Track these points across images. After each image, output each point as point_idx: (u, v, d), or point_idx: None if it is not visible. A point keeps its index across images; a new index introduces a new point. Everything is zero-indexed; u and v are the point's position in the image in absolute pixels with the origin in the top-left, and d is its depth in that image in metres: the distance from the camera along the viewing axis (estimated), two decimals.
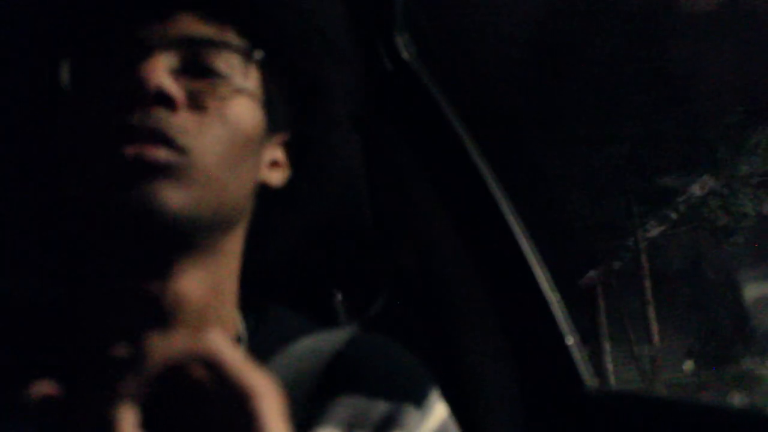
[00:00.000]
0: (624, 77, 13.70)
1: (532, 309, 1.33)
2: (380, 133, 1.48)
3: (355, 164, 1.45)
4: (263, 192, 0.87)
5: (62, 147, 0.78)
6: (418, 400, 0.89)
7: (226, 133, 0.77)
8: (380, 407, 0.87)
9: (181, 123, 0.74)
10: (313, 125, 0.89)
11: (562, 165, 14.05)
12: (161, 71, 0.74)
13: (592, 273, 14.31)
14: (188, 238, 0.77)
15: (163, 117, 0.74)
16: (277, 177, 0.87)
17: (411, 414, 0.88)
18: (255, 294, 0.92)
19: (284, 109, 0.86)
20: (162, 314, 0.78)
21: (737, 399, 11.05)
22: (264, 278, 1.06)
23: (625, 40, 13.78)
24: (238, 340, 0.85)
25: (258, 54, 0.81)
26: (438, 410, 0.91)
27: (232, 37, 0.80)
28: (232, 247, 0.84)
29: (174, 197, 0.73)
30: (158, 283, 0.78)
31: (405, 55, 1.47)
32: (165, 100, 0.74)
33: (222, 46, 0.79)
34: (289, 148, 0.89)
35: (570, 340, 1.30)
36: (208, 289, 0.81)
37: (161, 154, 0.73)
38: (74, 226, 0.81)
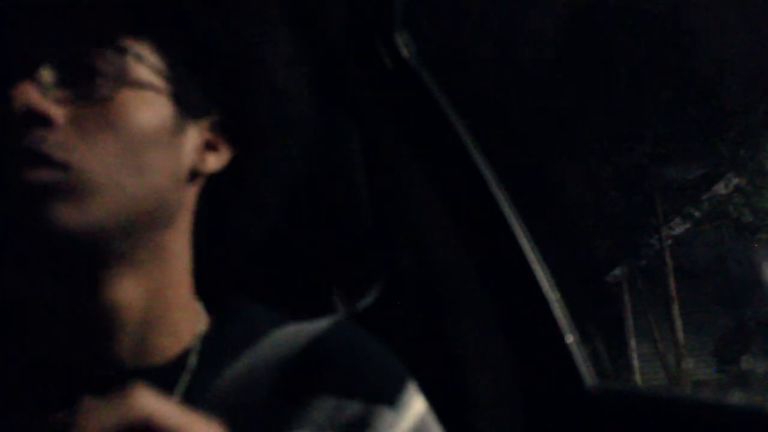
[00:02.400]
0: (648, 76, 13.66)
1: (531, 307, 1.32)
2: (380, 132, 1.48)
3: (355, 162, 1.45)
4: (211, 178, 0.84)
5: None
6: (392, 399, 0.85)
7: (114, 136, 0.74)
8: (351, 408, 0.82)
9: (60, 139, 0.72)
10: (245, 100, 0.85)
11: (587, 165, 14.03)
12: (30, 90, 0.72)
13: (617, 271, 14.30)
14: (102, 250, 0.75)
15: (39, 136, 0.71)
16: (214, 161, 0.84)
17: (383, 414, 0.83)
18: (229, 290, 0.91)
19: (207, 89, 0.82)
20: (103, 325, 0.77)
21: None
22: (259, 280, 1.06)
23: (649, 39, 13.75)
24: (187, 353, 0.82)
25: (136, 47, 0.77)
26: (414, 407, 0.86)
27: (114, 34, 0.76)
28: (170, 246, 0.81)
29: (66, 216, 0.71)
30: (90, 296, 0.76)
31: (405, 53, 1.47)
32: (39, 119, 0.72)
33: (100, 46, 0.75)
34: (227, 126, 0.84)
35: (570, 339, 1.29)
36: (148, 294, 0.79)
37: (42, 174, 0.71)
38: None
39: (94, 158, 0.72)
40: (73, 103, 0.74)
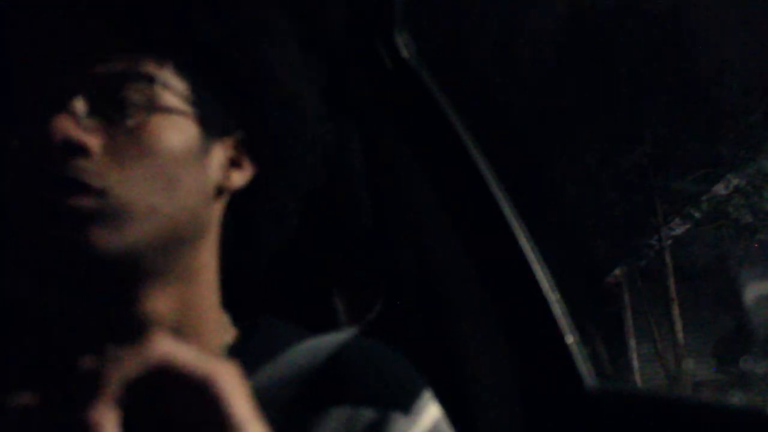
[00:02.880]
0: (648, 76, 13.66)
1: (531, 308, 1.32)
2: (380, 132, 1.48)
3: (355, 162, 1.45)
4: (237, 194, 0.88)
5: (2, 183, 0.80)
6: (406, 406, 0.88)
7: (146, 161, 0.78)
8: (366, 415, 0.85)
9: (97, 167, 0.76)
10: (263, 115, 0.88)
11: (588, 165, 14.02)
12: (67, 121, 0.75)
13: (617, 271, 14.29)
14: (137, 269, 0.78)
15: (78, 165, 0.75)
16: (238, 177, 0.88)
17: (397, 420, 0.86)
18: (248, 297, 0.93)
19: (227, 108, 0.86)
20: (135, 337, 0.80)
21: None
22: (259, 280, 1.07)
23: (650, 40, 13.74)
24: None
25: (161, 74, 0.80)
26: (429, 414, 0.89)
27: (140, 63, 0.80)
28: (199, 261, 0.85)
29: (104, 240, 0.75)
30: (123, 309, 0.80)
31: (405, 53, 1.47)
32: (77, 149, 0.75)
33: (128, 76, 0.79)
34: (248, 143, 0.88)
35: (570, 339, 1.29)
36: (179, 306, 0.82)
37: (81, 201, 0.75)
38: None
39: (128, 184, 0.76)
40: (107, 132, 0.77)
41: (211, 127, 0.84)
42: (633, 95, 13.61)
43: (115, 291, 0.79)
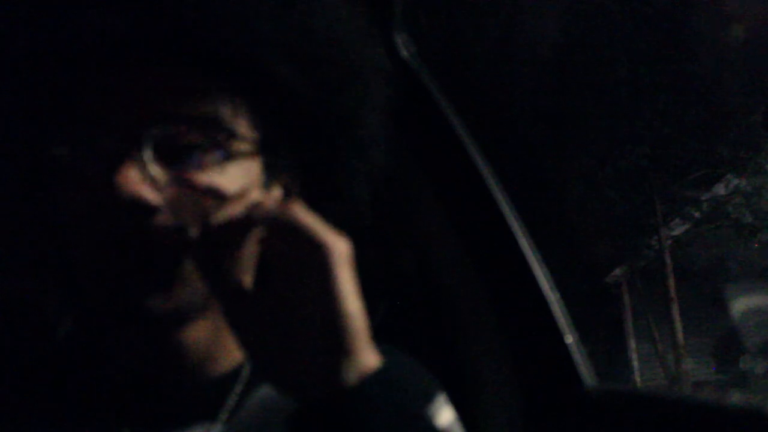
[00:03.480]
0: (648, 77, 13.65)
1: (531, 308, 1.32)
2: None
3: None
4: None
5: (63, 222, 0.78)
6: (421, 409, 0.89)
7: (210, 215, 0.75)
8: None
9: (161, 225, 0.74)
10: (333, 155, 0.88)
11: (588, 166, 14.02)
12: (135, 174, 0.72)
13: (617, 271, 14.30)
14: (183, 316, 0.80)
15: (142, 224, 0.73)
16: None
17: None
18: None
19: (288, 145, 0.84)
20: (174, 354, 0.84)
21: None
22: None
23: (650, 41, 13.73)
24: (241, 366, 0.88)
25: (238, 125, 0.78)
26: (443, 417, 0.90)
27: (214, 106, 0.76)
28: None
29: (157, 303, 0.75)
30: (165, 337, 0.82)
31: (404, 53, 1.47)
32: (144, 208, 0.73)
33: (200, 119, 0.76)
34: (300, 176, 0.87)
35: (569, 339, 1.29)
36: (212, 333, 0.84)
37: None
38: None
39: (189, 246, 0.75)
40: (172, 183, 0.75)
41: (275, 168, 0.83)
42: (633, 95, 13.60)
43: (158, 331, 0.82)
